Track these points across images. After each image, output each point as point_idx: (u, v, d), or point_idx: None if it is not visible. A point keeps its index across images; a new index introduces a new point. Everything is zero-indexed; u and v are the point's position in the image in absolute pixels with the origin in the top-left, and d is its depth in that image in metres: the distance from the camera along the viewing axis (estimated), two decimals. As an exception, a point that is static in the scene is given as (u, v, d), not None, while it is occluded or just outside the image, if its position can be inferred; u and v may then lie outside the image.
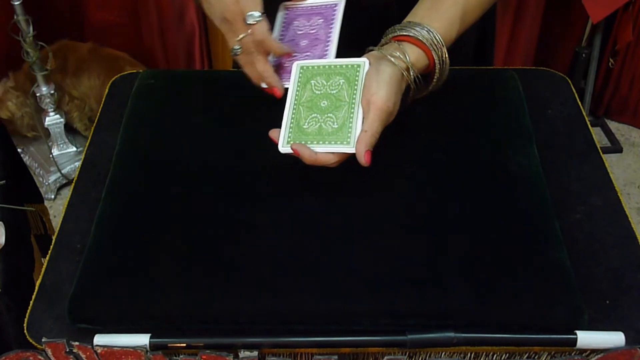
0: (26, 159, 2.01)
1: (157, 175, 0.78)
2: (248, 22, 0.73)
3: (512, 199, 0.74)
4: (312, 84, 0.73)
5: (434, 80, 0.75)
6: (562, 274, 0.68)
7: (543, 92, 0.92)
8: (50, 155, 1.94)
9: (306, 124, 0.71)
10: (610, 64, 2.13)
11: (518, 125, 0.83)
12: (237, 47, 0.76)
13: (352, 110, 0.70)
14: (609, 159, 1.73)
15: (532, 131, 0.83)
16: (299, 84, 0.73)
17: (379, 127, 0.69)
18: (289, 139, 0.71)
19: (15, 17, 1.67)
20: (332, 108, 0.70)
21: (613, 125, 2.25)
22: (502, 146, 0.80)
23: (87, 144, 0.86)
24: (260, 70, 0.77)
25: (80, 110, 1.97)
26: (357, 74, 0.71)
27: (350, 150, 0.69)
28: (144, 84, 0.90)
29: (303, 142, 0.70)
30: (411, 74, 0.72)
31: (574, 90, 0.93)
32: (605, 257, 0.73)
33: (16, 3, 1.64)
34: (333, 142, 0.70)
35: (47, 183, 1.96)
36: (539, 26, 2.04)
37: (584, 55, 2.07)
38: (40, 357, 0.59)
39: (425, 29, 0.73)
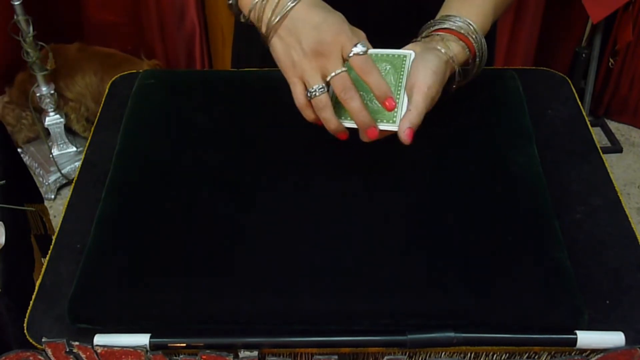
0: (26, 159, 2.01)
1: (157, 175, 0.78)
2: (352, 54, 0.67)
3: (512, 199, 0.74)
4: None
5: (475, 69, 0.78)
6: (562, 274, 0.68)
7: (543, 92, 0.92)
8: (50, 155, 1.94)
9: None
10: (610, 64, 2.13)
11: (518, 125, 0.83)
12: (320, 85, 0.68)
13: (398, 94, 0.72)
14: (609, 159, 1.73)
15: (532, 131, 0.83)
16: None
17: (424, 109, 0.71)
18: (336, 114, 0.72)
19: (15, 17, 1.67)
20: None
21: (613, 125, 2.25)
22: (502, 146, 0.80)
23: (87, 144, 0.86)
24: (355, 108, 0.68)
25: (77, 112, 1.97)
26: (404, 63, 0.73)
27: (395, 128, 0.71)
28: (144, 84, 0.90)
29: (349, 118, 0.71)
30: (455, 64, 0.75)
31: (574, 90, 0.93)
32: (605, 257, 0.73)
33: (16, 3, 1.64)
34: (378, 120, 0.71)
35: (47, 183, 1.96)
36: (539, 26, 2.04)
37: (584, 55, 2.07)
38: (40, 357, 0.59)
39: (465, 21, 0.76)
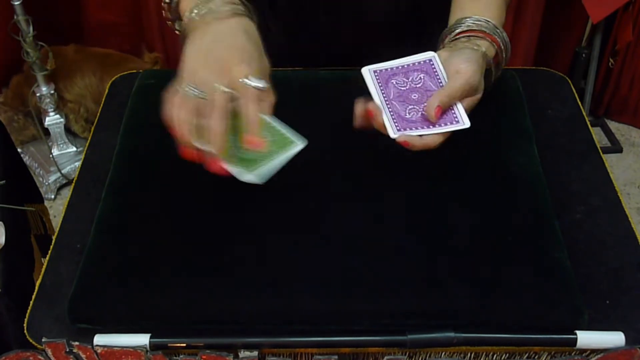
0: (26, 159, 2.01)
1: (157, 175, 0.78)
2: (251, 85, 0.65)
3: (512, 199, 0.74)
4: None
5: (504, 62, 0.79)
6: (562, 274, 0.68)
7: (543, 92, 0.92)
8: (50, 155, 1.94)
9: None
10: (610, 64, 2.13)
11: (518, 125, 0.83)
12: (195, 90, 0.65)
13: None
14: (609, 159, 1.73)
15: (532, 131, 0.83)
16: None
17: (458, 94, 0.71)
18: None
19: (15, 17, 1.67)
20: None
21: (613, 125, 2.25)
22: (502, 146, 0.80)
23: (87, 144, 0.86)
24: (215, 127, 0.64)
25: (76, 113, 1.97)
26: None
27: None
28: (144, 84, 0.90)
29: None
30: (489, 59, 0.76)
31: (574, 90, 0.93)
32: (605, 257, 0.73)
33: (16, 3, 1.64)
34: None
35: (47, 183, 1.96)
36: (539, 26, 2.04)
37: (584, 55, 2.07)
38: (40, 357, 0.59)
39: (483, 19, 0.77)
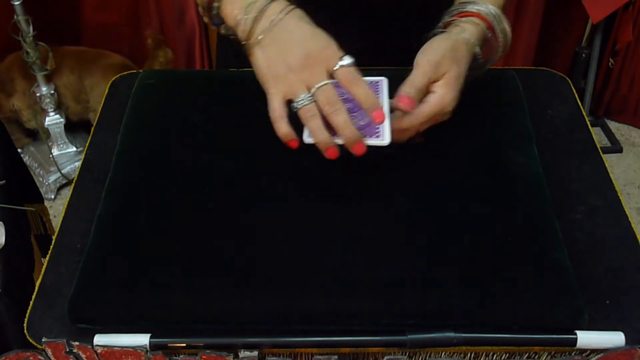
0: (26, 159, 2.01)
1: (157, 175, 0.78)
2: (339, 66, 0.66)
3: (512, 199, 0.74)
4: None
5: (500, 43, 0.78)
6: (562, 274, 0.68)
7: (543, 92, 0.92)
8: (50, 155, 1.94)
9: None
10: (610, 64, 2.13)
11: (518, 125, 0.83)
12: (308, 94, 0.66)
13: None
14: (609, 159, 1.73)
15: (532, 131, 0.83)
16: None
17: (422, 79, 0.71)
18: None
19: (15, 17, 1.67)
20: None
21: (613, 125, 2.25)
22: (502, 146, 0.80)
23: (87, 144, 0.86)
24: (341, 122, 0.66)
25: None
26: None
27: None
28: (144, 84, 0.90)
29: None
30: (468, 36, 0.75)
31: (574, 90, 0.93)
32: (605, 257, 0.73)
33: (16, 3, 1.65)
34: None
35: (47, 183, 1.96)
36: (539, 26, 2.04)
37: (584, 55, 2.07)
38: (40, 357, 0.59)
39: (478, 3, 0.76)
